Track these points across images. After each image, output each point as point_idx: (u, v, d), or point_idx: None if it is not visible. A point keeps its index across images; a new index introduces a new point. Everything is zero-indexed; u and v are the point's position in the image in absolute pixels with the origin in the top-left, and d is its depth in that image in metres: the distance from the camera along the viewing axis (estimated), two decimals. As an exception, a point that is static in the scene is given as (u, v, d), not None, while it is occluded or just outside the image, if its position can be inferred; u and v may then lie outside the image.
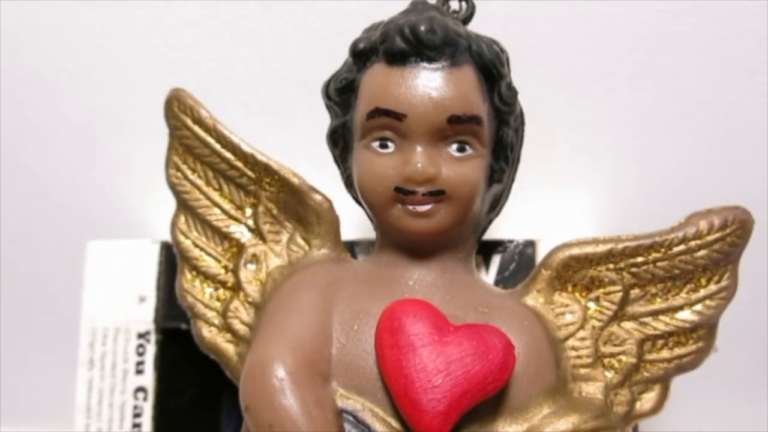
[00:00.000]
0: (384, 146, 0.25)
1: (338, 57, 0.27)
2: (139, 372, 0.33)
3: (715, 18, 0.37)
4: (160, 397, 0.33)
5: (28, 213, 0.41)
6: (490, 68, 0.25)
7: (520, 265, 0.31)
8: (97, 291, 0.34)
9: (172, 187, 0.29)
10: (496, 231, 0.31)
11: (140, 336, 0.34)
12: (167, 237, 0.30)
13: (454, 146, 0.25)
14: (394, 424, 0.24)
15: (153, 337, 0.34)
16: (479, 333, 0.24)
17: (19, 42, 0.39)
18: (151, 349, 0.34)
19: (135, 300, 0.34)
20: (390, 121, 0.25)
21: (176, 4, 0.38)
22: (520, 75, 0.27)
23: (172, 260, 0.33)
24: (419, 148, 0.25)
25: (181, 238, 0.29)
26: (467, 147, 0.25)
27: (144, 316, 0.34)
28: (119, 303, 0.34)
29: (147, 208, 0.39)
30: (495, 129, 0.26)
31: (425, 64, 0.24)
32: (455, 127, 0.24)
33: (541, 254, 0.31)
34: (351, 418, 0.24)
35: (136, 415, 0.33)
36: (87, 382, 0.34)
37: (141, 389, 0.33)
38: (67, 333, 0.35)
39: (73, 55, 0.39)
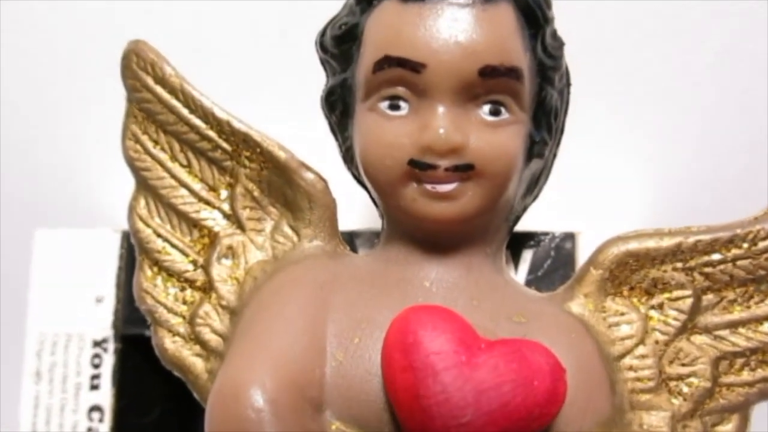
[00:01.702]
0: (395, 107, 0.20)
1: (336, 2, 0.22)
2: (94, 387, 0.29)
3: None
4: (120, 417, 0.29)
5: None
6: (534, 8, 0.20)
7: (556, 262, 0.27)
8: (46, 289, 0.30)
9: (130, 163, 0.25)
10: (527, 221, 0.26)
11: (96, 344, 0.30)
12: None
13: (487, 108, 0.20)
14: (406, 468, 0.19)
15: (111, 346, 0.29)
16: (520, 352, 0.18)
17: None
18: (108, 360, 0.29)
19: (91, 301, 0.30)
20: (404, 73, 0.20)
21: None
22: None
23: (135, 253, 0.28)
24: (441, 109, 0.20)
25: (141, 225, 0.25)
26: (503, 110, 0.20)
27: (101, 320, 0.30)
28: (72, 304, 0.30)
29: (106, 190, 0.34)
30: (537, 89, 0.21)
31: (451, 0, 0.19)
32: (489, 82, 0.20)
33: (582, 249, 0.27)
34: (350, 459, 0.19)
35: None
36: (33, 398, 0.29)
37: (96, 408, 0.29)
38: (9, 339, 0.30)
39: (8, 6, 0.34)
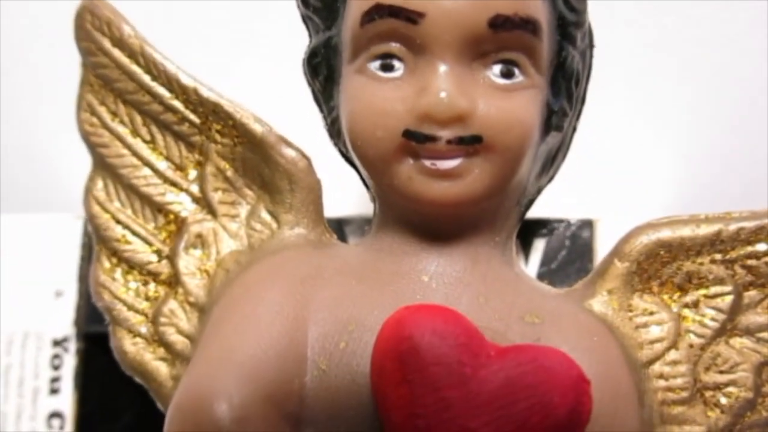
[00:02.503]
0: (388, 68, 0.18)
1: None
2: (54, 391, 0.27)
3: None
4: (83, 424, 0.27)
5: None
6: None
7: (572, 253, 0.26)
8: (2, 282, 0.28)
9: (86, 138, 0.23)
10: (539, 206, 0.24)
11: (56, 343, 0.28)
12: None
13: (498, 69, 0.18)
14: (399, 496, 0.16)
15: (73, 345, 0.28)
16: (536, 361, 0.16)
17: None
18: (70, 361, 0.28)
19: (50, 295, 0.28)
20: (399, 24, 0.17)
21: None
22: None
23: None
24: (443, 69, 0.17)
25: (98, 210, 0.22)
26: (517, 71, 0.18)
27: (61, 316, 0.27)
28: (30, 299, 0.28)
29: (67, 171, 0.31)
30: (556, 47, 0.19)
31: None
32: (501, 35, 0.17)
33: (601, 238, 0.26)
34: (332, 486, 0.16)
35: None
36: None
37: (56, 414, 0.27)
38: None
39: None
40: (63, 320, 0.27)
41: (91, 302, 0.26)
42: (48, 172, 0.32)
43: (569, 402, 0.15)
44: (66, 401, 0.27)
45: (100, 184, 0.22)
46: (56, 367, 0.27)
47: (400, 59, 0.18)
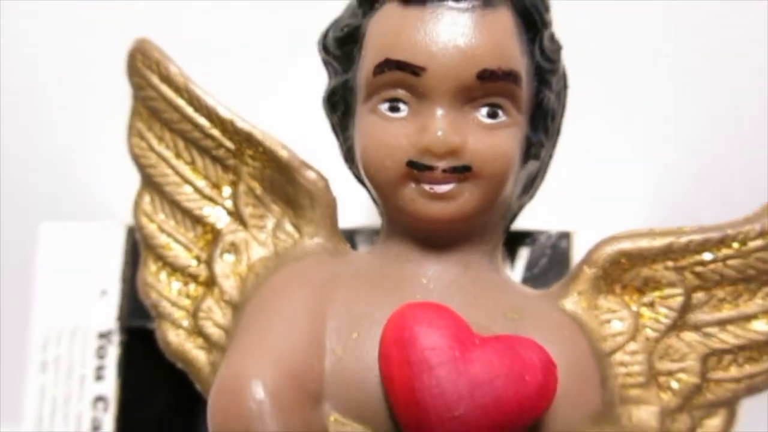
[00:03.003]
0: (395, 109, 0.20)
1: (339, 3, 0.23)
2: (99, 378, 0.29)
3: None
4: (124, 407, 0.29)
5: None
6: (532, 13, 0.21)
7: (552, 261, 0.28)
8: (52, 282, 0.30)
9: (136, 159, 0.25)
10: (523, 219, 0.27)
11: (101, 336, 0.30)
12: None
13: (485, 111, 0.20)
14: (402, 459, 0.19)
15: (116, 338, 0.30)
16: (512, 348, 0.19)
17: None
18: (113, 352, 0.29)
19: (96, 294, 0.30)
20: (404, 76, 0.20)
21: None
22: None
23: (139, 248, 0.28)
24: (440, 112, 0.20)
25: (145, 221, 0.25)
26: (500, 112, 0.20)
27: (106, 312, 0.30)
28: (77, 297, 0.30)
29: (112, 184, 0.34)
30: (534, 91, 0.21)
31: (451, 4, 0.20)
32: (487, 85, 0.20)
33: (577, 248, 0.28)
34: (348, 451, 0.19)
35: (95, 428, 0.29)
36: (39, 389, 0.29)
37: (101, 398, 0.29)
38: (15, 332, 0.31)
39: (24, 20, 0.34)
40: (107, 316, 0.29)
41: (132, 300, 0.29)
42: (96, 186, 0.35)
43: (538, 380, 0.18)
44: (109, 387, 0.29)
45: (147, 198, 0.25)
46: (101, 357, 0.29)
47: (405, 102, 0.20)
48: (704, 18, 0.35)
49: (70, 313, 0.30)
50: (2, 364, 0.34)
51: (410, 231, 0.22)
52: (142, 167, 0.25)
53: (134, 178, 0.25)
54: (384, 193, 0.21)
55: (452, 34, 0.20)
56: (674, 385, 0.22)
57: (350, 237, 0.28)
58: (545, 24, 0.21)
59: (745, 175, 0.34)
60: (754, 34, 0.34)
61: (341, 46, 0.22)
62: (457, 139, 0.20)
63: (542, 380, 0.18)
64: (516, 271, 0.27)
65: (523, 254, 0.28)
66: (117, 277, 0.30)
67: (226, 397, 0.19)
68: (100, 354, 0.29)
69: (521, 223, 0.27)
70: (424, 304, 0.20)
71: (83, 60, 0.35)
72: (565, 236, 0.28)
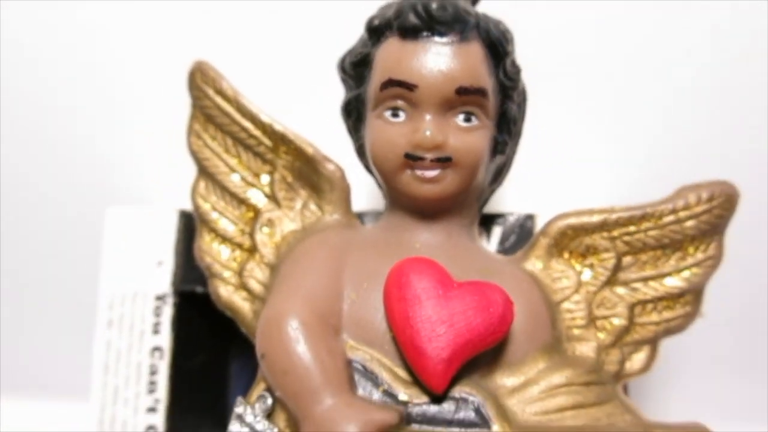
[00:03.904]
0: (395, 115, 0.27)
1: (352, 35, 0.29)
2: (155, 332, 0.35)
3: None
4: (176, 356, 0.35)
5: (50, 179, 0.43)
6: (497, 45, 0.27)
7: (520, 237, 0.33)
8: (116, 256, 0.36)
9: (193, 154, 0.31)
10: (497, 204, 0.33)
11: (157, 298, 0.35)
12: (186, 205, 0.32)
13: (461, 116, 0.27)
14: (400, 373, 0.26)
15: (170, 300, 0.35)
16: (481, 289, 0.25)
17: (44, 7, 0.41)
18: (167, 311, 0.35)
19: (153, 264, 0.35)
20: (402, 91, 0.26)
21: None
22: (523, 50, 0.29)
23: (189, 227, 0.34)
24: (428, 117, 0.26)
25: (201, 202, 0.31)
26: (473, 118, 0.27)
27: (161, 279, 0.35)
28: (138, 267, 0.35)
29: (166, 176, 0.40)
30: (499, 103, 0.28)
31: (436, 39, 0.26)
32: (462, 98, 0.26)
33: (539, 227, 0.32)
34: (360, 367, 0.26)
35: (152, 373, 0.35)
36: (105, 343, 0.35)
37: (157, 348, 0.35)
38: (86, 296, 0.37)
39: (100, 26, 0.41)
40: (162, 282, 0.35)
41: (183, 269, 0.35)
42: (154, 176, 0.41)
43: (499, 312, 0.25)
44: (164, 339, 0.35)
45: (202, 184, 0.31)
46: (157, 315, 0.35)
47: (403, 110, 0.26)
48: (658, 9, 0.39)
49: (132, 280, 0.35)
50: (76, 323, 0.40)
51: (406, 207, 0.28)
52: (198, 160, 0.31)
53: (186, 171, 0.31)
54: (387, 179, 0.28)
55: (437, 61, 0.26)
56: (608, 326, 0.28)
57: (360, 217, 0.32)
58: (507, 53, 0.27)
59: (700, 165, 0.39)
60: (709, 22, 0.39)
61: (355, 68, 0.28)
62: (441, 137, 0.26)
63: (502, 312, 0.25)
64: (491, 246, 0.33)
65: (497, 232, 0.33)
66: (171, 250, 0.35)
67: (271, 327, 0.26)
68: (157, 313, 0.35)
69: (495, 207, 0.33)
70: (417, 258, 0.26)
71: (149, 74, 0.41)
72: (530, 218, 0.33)
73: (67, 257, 0.43)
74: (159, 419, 0.35)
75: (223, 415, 0.38)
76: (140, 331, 0.35)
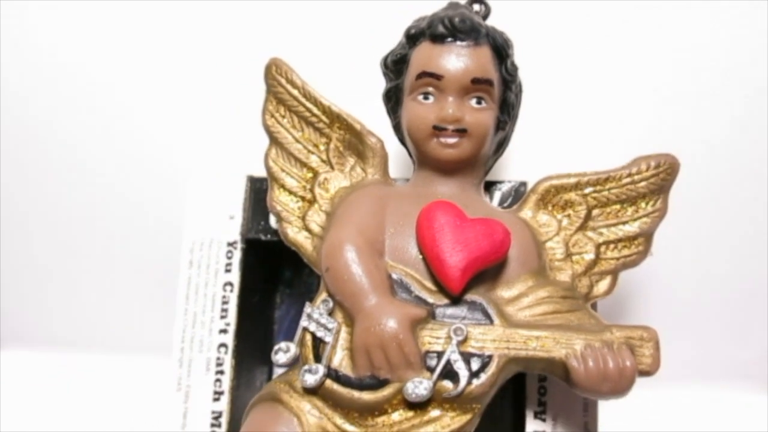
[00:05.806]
0: (426, 98, 0.37)
1: (390, 41, 0.39)
2: (227, 271, 0.44)
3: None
4: (243, 290, 0.44)
5: (150, 152, 0.53)
6: (501, 49, 0.37)
7: (515, 199, 0.42)
8: (197, 211, 0.44)
9: (267, 128, 0.40)
10: (497, 173, 0.42)
11: (229, 244, 0.44)
12: (253, 171, 0.41)
13: (474, 100, 0.36)
14: (427, 284, 0.35)
15: (239, 245, 0.44)
16: (487, 222, 0.35)
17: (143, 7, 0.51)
18: (237, 254, 0.44)
19: (226, 218, 0.44)
20: (432, 80, 0.36)
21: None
22: (522, 54, 0.39)
23: (255, 189, 0.43)
24: (450, 99, 0.36)
25: (272, 164, 0.40)
26: (483, 101, 0.37)
27: (232, 229, 0.44)
28: (213, 219, 0.44)
29: (237, 148, 0.50)
30: (502, 92, 0.38)
31: (458, 43, 0.36)
32: (476, 86, 0.36)
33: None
34: (398, 279, 0.35)
35: (224, 303, 0.44)
36: (186, 279, 0.44)
37: (228, 283, 0.44)
38: (172, 243, 0.46)
39: (192, 28, 0.51)
40: (233, 231, 0.43)
41: (250, 221, 0.43)
42: (228, 149, 0.51)
43: (501, 238, 0.34)
44: (234, 276, 0.43)
45: (274, 152, 0.39)
46: (229, 258, 0.43)
47: (432, 95, 0.36)
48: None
49: (208, 229, 0.44)
50: (163, 265, 0.49)
51: (432, 167, 0.38)
52: (270, 133, 0.40)
53: (251, 144, 0.40)
54: (418, 145, 0.37)
55: (458, 59, 0.36)
56: (580, 260, 0.37)
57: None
58: (508, 55, 0.37)
59: (627, 143, 0.48)
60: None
61: (395, 65, 0.38)
62: (459, 114, 0.36)
63: (503, 239, 0.34)
64: (494, 204, 0.42)
65: (497, 195, 0.42)
66: (240, 207, 0.44)
67: (334, 248, 0.35)
68: (228, 256, 0.43)
69: (495, 175, 0.42)
70: (441, 201, 0.36)
71: (225, 69, 0.51)
72: (523, 184, 0.42)
73: (159, 214, 0.53)
74: (229, 339, 0.43)
75: (268, 348, 0.46)
76: (215, 270, 0.44)
